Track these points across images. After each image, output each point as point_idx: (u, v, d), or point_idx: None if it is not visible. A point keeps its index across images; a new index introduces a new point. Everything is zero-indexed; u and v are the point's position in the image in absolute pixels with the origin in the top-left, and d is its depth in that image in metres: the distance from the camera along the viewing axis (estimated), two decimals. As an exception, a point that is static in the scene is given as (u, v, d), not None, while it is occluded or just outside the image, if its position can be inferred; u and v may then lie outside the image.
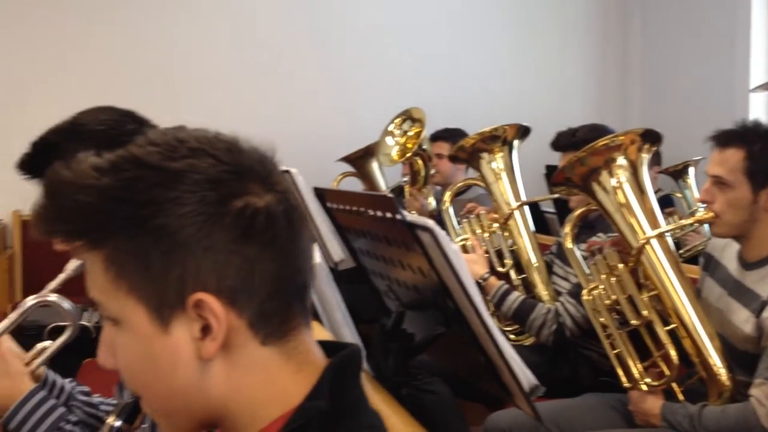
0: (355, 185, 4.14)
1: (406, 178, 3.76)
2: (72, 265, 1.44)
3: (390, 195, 1.77)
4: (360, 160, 4.08)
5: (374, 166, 4.08)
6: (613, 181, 2.12)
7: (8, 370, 1.38)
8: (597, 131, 2.54)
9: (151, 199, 0.75)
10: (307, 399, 0.79)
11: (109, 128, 1.31)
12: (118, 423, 1.03)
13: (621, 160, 2.12)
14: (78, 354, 1.50)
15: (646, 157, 2.16)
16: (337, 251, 2.46)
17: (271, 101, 4.69)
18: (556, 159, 2.81)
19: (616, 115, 5.01)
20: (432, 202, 3.66)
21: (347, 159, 4.12)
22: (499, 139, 2.87)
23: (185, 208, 0.75)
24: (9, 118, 4.46)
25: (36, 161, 1.34)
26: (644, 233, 2.09)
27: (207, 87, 4.57)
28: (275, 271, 0.78)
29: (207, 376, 0.78)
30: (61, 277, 1.41)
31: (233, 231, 0.76)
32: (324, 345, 0.86)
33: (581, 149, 2.16)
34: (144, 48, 4.60)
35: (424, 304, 1.85)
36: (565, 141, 2.66)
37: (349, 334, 1.99)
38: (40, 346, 1.45)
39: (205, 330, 0.77)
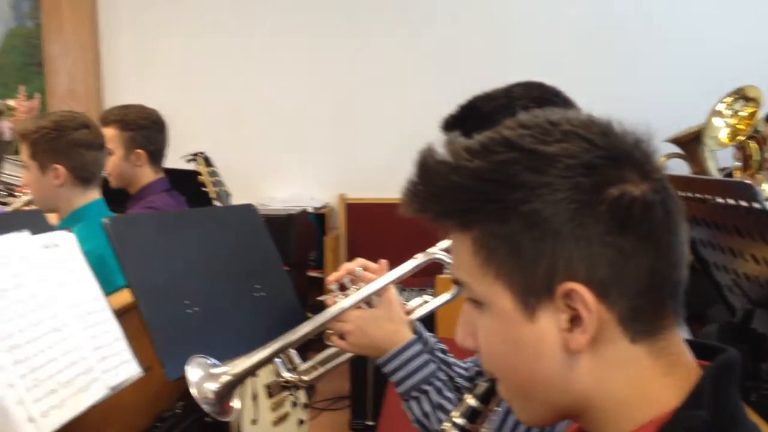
0: (678, 168, 3.87)
1: (739, 163, 3.44)
2: None
3: (749, 182, 1.60)
4: (691, 143, 3.80)
5: (705, 148, 3.78)
6: None
7: (392, 316, 1.47)
8: None
9: (523, 184, 0.73)
10: (685, 406, 0.74)
11: (539, 106, 1.32)
12: (475, 403, 1.04)
13: None
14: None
15: None
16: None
17: (590, 80, 4.55)
18: None
19: None
20: (767, 189, 3.30)
21: (677, 141, 3.85)
22: None
23: (558, 194, 0.73)
24: (336, 109, 4.84)
25: (461, 124, 1.35)
26: None
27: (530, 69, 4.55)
28: (650, 266, 0.74)
29: (572, 369, 0.76)
30: (447, 241, 1.45)
31: (608, 221, 0.73)
32: (693, 345, 0.80)
33: None
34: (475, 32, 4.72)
35: (781, 302, 1.66)
36: None
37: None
38: (421, 299, 1.53)
39: (573, 321, 0.74)
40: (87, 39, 4.89)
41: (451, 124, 1.37)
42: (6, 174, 2.97)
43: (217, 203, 2.53)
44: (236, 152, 4.60)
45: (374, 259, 1.57)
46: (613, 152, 0.75)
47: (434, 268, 1.59)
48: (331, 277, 1.53)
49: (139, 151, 2.86)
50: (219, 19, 4.86)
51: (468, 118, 1.34)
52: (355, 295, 1.47)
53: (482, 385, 1.04)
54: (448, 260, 1.47)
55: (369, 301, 1.48)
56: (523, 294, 0.76)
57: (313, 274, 4.49)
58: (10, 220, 1.55)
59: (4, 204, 2.52)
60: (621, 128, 0.78)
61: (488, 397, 1.04)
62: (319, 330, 1.48)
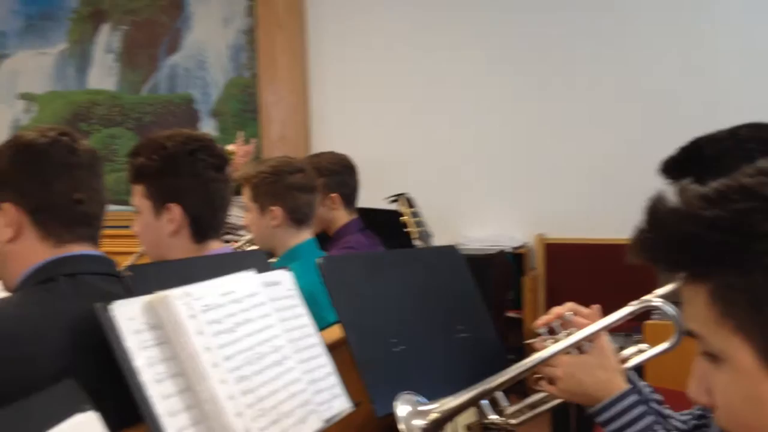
0: None
1: None
2: None
3: None
4: None
5: None
6: None
7: (605, 363, 1.43)
8: None
9: (766, 234, 0.70)
10: None
11: None
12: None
13: None
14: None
15: None
16: None
17: None
18: None
19: None
20: None
21: None
22: None
23: None
24: (535, 149, 4.81)
25: (683, 167, 1.32)
26: None
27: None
28: None
29: None
30: (669, 286, 1.40)
31: None
32: None
33: None
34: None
35: None
36: None
37: None
38: (636, 348, 1.49)
39: None
40: (298, 89, 5.22)
41: (672, 166, 1.32)
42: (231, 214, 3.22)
43: (418, 243, 2.59)
44: (436, 192, 4.69)
45: (574, 300, 1.54)
46: None
47: (642, 313, 1.54)
48: (541, 321, 1.51)
49: (333, 195, 2.99)
50: (418, 69, 5.01)
51: (691, 160, 1.29)
52: (567, 340, 1.45)
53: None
54: (666, 308, 1.41)
55: (580, 346, 1.45)
56: (766, 350, 0.72)
57: (511, 314, 4.46)
58: (238, 260, 1.69)
59: (228, 242, 2.73)
60: None
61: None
62: (528, 373, 1.47)
